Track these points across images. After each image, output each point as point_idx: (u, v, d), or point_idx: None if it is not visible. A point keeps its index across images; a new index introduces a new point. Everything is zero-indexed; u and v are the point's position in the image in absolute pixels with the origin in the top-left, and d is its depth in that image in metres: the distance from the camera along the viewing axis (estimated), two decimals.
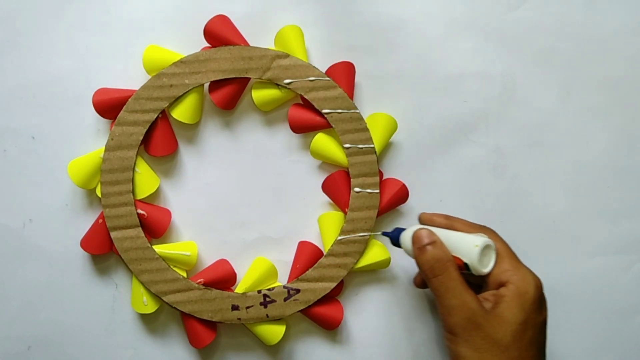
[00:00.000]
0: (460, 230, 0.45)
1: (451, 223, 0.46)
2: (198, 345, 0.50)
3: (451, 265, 0.42)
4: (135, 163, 0.49)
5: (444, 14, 0.52)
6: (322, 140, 0.50)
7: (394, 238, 0.47)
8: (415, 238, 0.44)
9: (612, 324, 0.53)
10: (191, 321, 0.50)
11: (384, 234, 0.48)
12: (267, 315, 0.49)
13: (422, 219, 0.48)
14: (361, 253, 0.50)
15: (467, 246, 0.42)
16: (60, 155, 0.51)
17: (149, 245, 0.49)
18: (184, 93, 0.49)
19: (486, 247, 0.42)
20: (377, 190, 0.50)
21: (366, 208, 0.50)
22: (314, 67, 0.49)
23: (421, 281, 0.50)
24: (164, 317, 0.52)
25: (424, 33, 0.52)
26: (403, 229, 0.46)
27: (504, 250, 0.43)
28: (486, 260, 0.43)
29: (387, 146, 0.52)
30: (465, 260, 0.42)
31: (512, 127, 0.53)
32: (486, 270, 0.42)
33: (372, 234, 0.50)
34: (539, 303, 0.42)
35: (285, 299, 0.50)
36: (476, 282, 0.44)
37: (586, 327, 0.53)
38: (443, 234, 0.44)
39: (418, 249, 0.43)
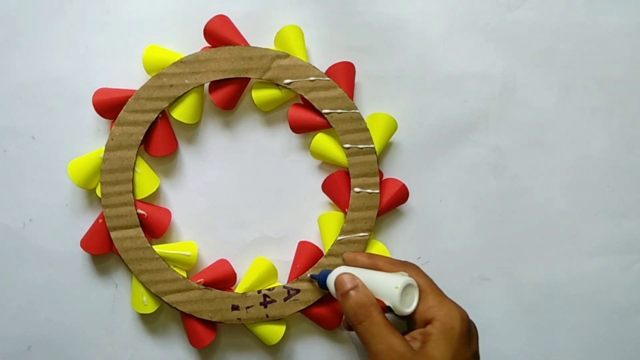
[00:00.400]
0: (383, 270, 0.44)
1: (374, 262, 0.45)
2: (198, 345, 0.50)
3: (375, 309, 0.41)
4: (135, 163, 0.49)
5: (444, 14, 0.52)
6: (322, 140, 0.50)
7: (321, 282, 0.46)
8: (338, 283, 0.43)
9: (612, 324, 0.53)
10: (191, 321, 0.50)
11: (312, 276, 0.48)
12: (267, 315, 0.49)
13: (346, 260, 0.47)
14: None
15: (388, 288, 0.41)
16: (60, 155, 0.51)
17: (149, 245, 0.49)
18: (184, 93, 0.49)
19: (407, 287, 0.42)
20: (377, 191, 0.50)
21: (366, 208, 0.50)
22: (314, 67, 0.49)
23: (349, 325, 0.48)
24: (164, 317, 0.52)
25: (424, 33, 0.52)
26: (329, 271, 0.45)
27: (427, 286, 0.43)
28: (409, 299, 0.42)
29: (387, 146, 0.52)
30: (387, 303, 0.41)
31: (512, 127, 0.53)
32: (409, 310, 0.42)
33: (309, 274, 0.49)
34: (467, 336, 0.41)
35: (285, 299, 0.50)
36: (406, 321, 0.44)
37: (586, 327, 0.53)
38: (365, 275, 0.43)
39: (341, 295, 0.43)
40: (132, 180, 0.49)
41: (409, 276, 0.43)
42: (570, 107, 0.53)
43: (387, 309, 0.42)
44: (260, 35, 0.50)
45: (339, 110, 0.49)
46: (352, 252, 0.47)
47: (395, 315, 0.42)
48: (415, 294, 0.42)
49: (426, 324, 0.41)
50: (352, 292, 0.42)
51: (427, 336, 0.40)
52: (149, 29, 0.51)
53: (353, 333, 0.52)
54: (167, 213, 0.50)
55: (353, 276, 0.43)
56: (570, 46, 0.53)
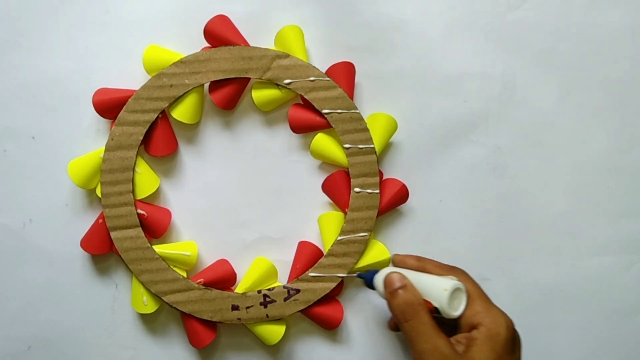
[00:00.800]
0: (432, 272, 0.45)
1: (423, 265, 0.46)
2: (198, 345, 0.50)
3: (422, 309, 0.42)
4: (135, 163, 0.49)
5: (444, 14, 0.52)
6: (322, 141, 0.50)
7: (368, 280, 0.47)
8: (387, 282, 0.44)
9: (612, 324, 0.54)
10: (191, 321, 0.50)
11: (359, 275, 0.48)
12: (267, 315, 0.49)
13: (395, 261, 0.48)
14: (361, 253, 0.50)
15: (436, 290, 0.42)
16: (60, 155, 0.51)
17: (149, 245, 0.49)
18: (184, 93, 0.49)
19: (456, 290, 0.42)
20: (377, 191, 0.50)
21: (366, 208, 0.50)
22: (314, 67, 0.49)
23: (395, 325, 0.50)
24: (164, 317, 0.52)
25: (424, 33, 0.52)
26: (377, 271, 0.46)
27: (475, 291, 0.43)
28: (456, 303, 0.42)
29: (387, 146, 0.52)
30: (435, 304, 0.42)
31: (512, 127, 0.53)
32: (456, 313, 0.42)
33: (349, 275, 0.50)
34: (512, 343, 0.41)
35: (285, 299, 0.50)
36: (451, 324, 0.44)
37: (586, 327, 0.53)
38: (414, 277, 0.44)
39: (389, 293, 0.43)
40: (132, 180, 0.49)
41: (458, 280, 0.43)
42: (570, 107, 0.53)
43: (434, 311, 0.42)
44: (260, 35, 0.50)
45: (339, 110, 0.49)
46: (401, 254, 0.48)
47: (442, 318, 0.43)
48: (464, 298, 0.43)
49: (472, 328, 0.41)
50: (400, 291, 0.43)
51: (472, 340, 0.41)
52: (149, 29, 0.51)
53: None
54: (167, 213, 0.50)
55: (402, 275, 0.44)
56: (570, 46, 0.53)
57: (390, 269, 0.46)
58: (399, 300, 0.43)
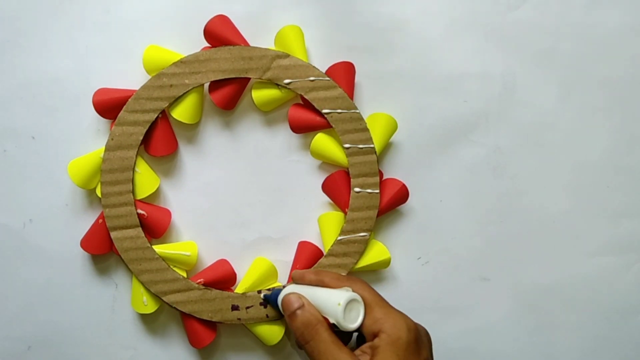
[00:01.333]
0: (328, 286, 0.44)
1: (320, 278, 0.45)
2: (198, 345, 0.50)
3: (321, 327, 0.41)
4: (135, 163, 0.49)
5: (444, 14, 0.52)
6: (322, 140, 0.50)
7: (272, 301, 0.46)
8: (284, 304, 0.44)
9: (612, 324, 0.54)
10: (191, 321, 0.50)
11: (264, 297, 0.48)
12: (267, 316, 0.49)
13: (294, 277, 0.47)
14: (361, 253, 0.50)
15: (331, 305, 0.41)
16: (60, 155, 0.51)
17: (149, 245, 0.49)
18: (184, 93, 0.49)
19: (351, 302, 0.41)
20: (377, 191, 0.50)
21: (366, 208, 0.50)
22: (314, 67, 0.49)
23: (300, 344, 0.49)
24: (164, 317, 0.52)
25: (424, 33, 0.52)
26: (280, 290, 0.46)
27: (373, 299, 0.43)
28: (354, 314, 0.42)
29: (387, 146, 0.52)
30: (332, 320, 0.41)
31: (512, 127, 0.53)
32: (354, 325, 0.41)
33: (262, 294, 0.49)
34: (415, 344, 0.41)
35: None
36: (361, 335, 0.43)
37: (586, 327, 0.53)
38: (311, 293, 0.43)
39: (288, 316, 0.43)
40: (132, 180, 0.49)
41: (354, 291, 0.42)
42: (570, 107, 0.53)
43: (334, 326, 0.42)
44: (260, 35, 0.50)
45: (339, 110, 0.49)
46: (301, 270, 0.47)
47: (342, 331, 0.42)
48: (361, 309, 0.42)
49: (374, 337, 0.41)
50: (298, 312, 0.42)
51: (375, 349, 0.40)
52: (149, 29, 0.51)
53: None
54: (167, 213, 0.50)
55: (299, 295, 0.43)
56: (570, 46, 0.53)
57: (290, 287, 0.45)
58: (297, 321, 0.42)
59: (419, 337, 0.41)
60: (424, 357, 0.41)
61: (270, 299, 0.47)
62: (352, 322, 0.42)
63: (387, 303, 0.43)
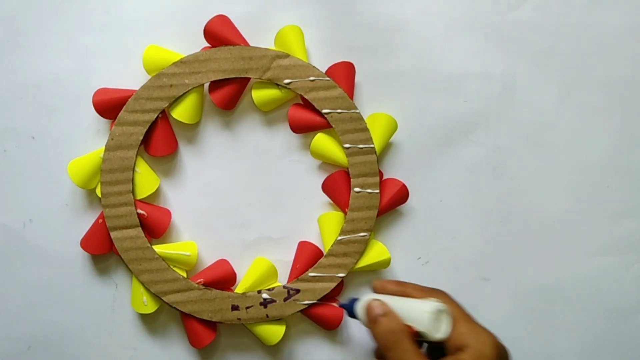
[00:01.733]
0: (412, 296, 0.44)
1: (403, 289, 0.45)
2: (198, 345, 0.50)
3: (404, 336, 0.41)
4: (135, 163, 0.49)
5: (444, 14, 0.52)
6: (322, 140, 0.50)
7: (349, 309, 0.45)
8: (368, 310, 0.43)
9: (612, 324, 0.54)
10: (191, 321, 0.50)
11: (341, 305, 0.47)
12: (267, 316, 0.49)
13: (375, 287, 0.46)
14: (361, 253, 0.50)
15: (418, 314, 0.41)
16: (60, 155, 0.51)
17: (149, 245, 0.49)
18: (184, 93, 0.49)
19: (438, 312, 0.41)
20: (377, 191, 0.50)
21: (366, 208, 0.50)
22: (314, 67, 0.49)
23: (380, 353, 0.48)
24: (163, 317, 0.52)
25: (424, 33, 0.52)
26: (357, 299, 0.45)
27: (458, 313, 0.42)
28: (440, 325, 0.41)
29: (387, 146, 0.52)
30: (418, 329, 0.41)
31: (512, 127, 0.53)
32: (441, 335, 0.41)
33: (332, 303, 0.49)
34: None
35: (285, 299, 0.50)
36: (438, 347, 0.43)
37: (586, 327, 0.53)
38: (395, 302, 0.43)
39: (371, 322, 0.42)
40: (132, 180, 0.49)
41: (440, 302, 0.42)
42: (570, 107, 0.53)
43: (418, 335, 0.41)
44: (260, 35, 0.50)
45: (339, 110, 0.49)
46: (381, 280, 0.46)
47: (428, 342, 0.42)
48: (448, 320, 0.41)
49: (458, 350, 0.40)
50: (381, 319, 0.42)
51: None
52: (149, 29, 0.51)
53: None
54: (167, 213, 0.50)
55: (382, 302, 0.42)
56: (570, 46, 0.53)
57: (371, 295, 0.44)
58: (381, 328, 0.41)
59: (502, 355, 0.41)
60: None
61: (346, 307, 0.46)
62: (439, 332, 0.41)
63: (472, 318, 0.42)
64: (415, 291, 0.44)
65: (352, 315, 0.45)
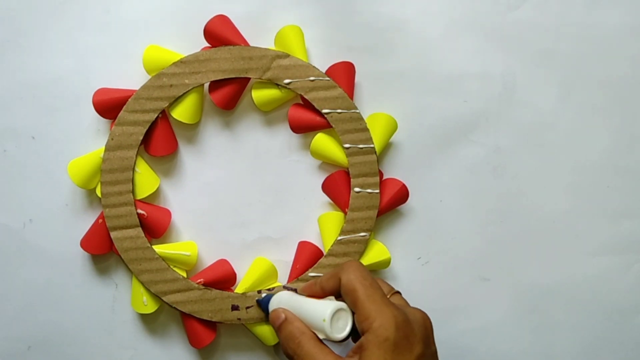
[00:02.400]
0: (323, 289, 0.43)
1: (315, 284, 0.44)
2: (198, 345, 0.50)
3: (304, 338, 0.40)
4: (135, 163, 0.49)
5: (444, 14, 0.52)
6: (322, 140, 0.50)
7: (263, 307, 0.46)
8: (272, 319, 0.44)
9: (612, 324, 0.54)
10: (191, 321, 0.50)
11: (257, 301, 0.48)
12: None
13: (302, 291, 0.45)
14: (361, 253, 0.50)
15: (316, 321, 0.41)
16: (60, 155, 0.51)
17: (149, 245, 0.49)
18: (184, 93, 0.49)
19: (337, 312, 0.40)
20: (377, 191, 0.50)
21: (366, 208, 0.50)
22: (314, 67, 0.49)
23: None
24: (163, 317, 0.52)
25: (424, 33, 0.52)
26: (269, 297, 0.46)
27: (364, 291, 0.40)
28: (341, 323, 0.41)
29: (387, 146, 0.52)
30: (320, 336, 0.41)
31: (512, 127, 0.53)
32: (342, 335, 0.40)
33: (255, 299, 0.49)
34: (406, 342, 0.38)
35: None
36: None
37: (586, 327, 0.53)
38: (299, 306, 0.43)
39: (276, 331, 0.43)
40: (132, 180, 0.49)
41: (343, 284, 0.41)
42: (570, 107, 0.53)
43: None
44: (260, 35, 0.50)
45: (339, 110, 0.49)
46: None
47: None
48: (348, 318, 0.41)
49: (363, 333, 0.39)
50: (282, 325, 0.42)
51: (362, 351, 0.38)
52: (149, 29, 0.51)
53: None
54: (167, 213, 0.50)
55: (284, 309, 0.43)
56: (570, 46, 0.53)
57: (279, 294, 0.45)
58: (282, 335, 0.42)
59: (410, 333, 0.39)
60: (417, 352, 0.38)
61: (261, 304, 0.47)
62: (341, 331, 0.41)
63: (379, 294, 0.40)
64: (325, 280, 0.43)
65: (266, 313, 0.46)
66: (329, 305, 0.41)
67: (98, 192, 0.49)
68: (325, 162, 0.52)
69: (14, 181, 0.51)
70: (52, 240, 0.51)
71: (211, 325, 0.50)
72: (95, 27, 0.51)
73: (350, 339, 0.42)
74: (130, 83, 0.50)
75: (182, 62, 0.49)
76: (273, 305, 0.45)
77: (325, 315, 0.40)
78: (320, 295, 0.43)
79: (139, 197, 0.50)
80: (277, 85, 0.50)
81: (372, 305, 0.39)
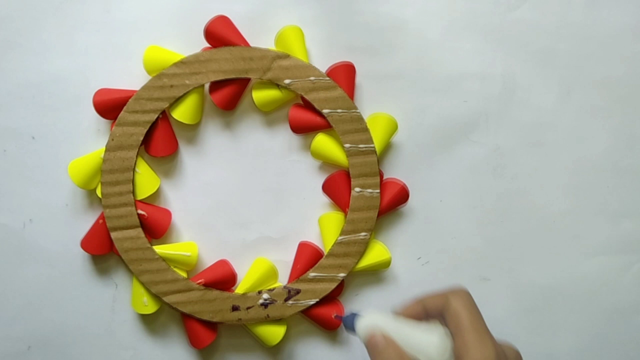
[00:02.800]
0: (429, 309, 0.42)
1: (422, 305, 0.43)
2: (198, 345, 0.50)
3: None
4: (135, 163, 0.49)
5: (444, 14, 0.52)
6: (322, 141, 0.50)
7: (349, 324, 0.43)
8: (370, 345, 0.41)
9: (612, 324, 0.54)
10: (191, 322, 0.50)
11: (339, 317, 0.46)
12: (268, 316, 0.49)
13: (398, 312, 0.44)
14: (361, 254, 0.50)
15: (423, 347, 0.40)
16: (61, 155, 0.51)
17: (149, 245, 0.49)
18: (185, 93, 0.49)
19: (444, 340, 0.40)
20: (378, 191, 0.50)
21: (366, 209, 0.50)
22: (314, 67, 0.49)
23: None
24: (164, 317, 0.52)
25: (424, 33, 0.52)
26: (356, 315, 0.43)
27: (468, 318, 0.40)
28: (445, 352, 0.40)
29: (388, 146, 0.52)
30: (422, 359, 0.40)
31: (512, 127, 0.53)
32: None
33: (333, 315, 0.49)
34: None
35: (285, 300, 0.50)
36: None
37: (586, 327, 0.54)
38: (399, 331, 0.41)
39: (371, 354, 0.41)
40: (133, 181, 0.49)
41: (447, 310, 0.41)
42: (570, 107, 0.53)
43: None
44: (260, 36, 0.50)
45: (339, 111, 0.49)
46: (401, 307, 0.44)
47: None
48: (448, 344, 0.40)
49: None
50: (381, 351, 0.41)
51: None
52: (149, 29, 0.51)
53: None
54: (167, 213, 0.50)
55: (384, 336, 0.41)
56: (570, 46, 0.53)
57: (373, 317, 0.42)
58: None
59: None
60: None
61: (346, 322, 0.44)
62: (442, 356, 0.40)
63: (481, 324, 0.40)
64: (430, 300, 0.42)
65: (350, 329, 0.43)
66: (439, 331, 0.40)
67: (98, 192, 0.49)
68: (326, 163, 0.52)
69: (14, 181, 0.51)
70: (52, 240, 0.51)
71: (211, 325, 0.50)
72: (95, 27, 0.51)
73: None
74: (131, 83, 0.50)
75: (182, 62, 0.48)
76: (367, 324, 0.42)
77: (431, 347, 0.40)
78: (422, 315, 0.42)
79: (139, 198, 0.50)
80: (278, 86, 0.50)
81: (474, 333, 0.39)
